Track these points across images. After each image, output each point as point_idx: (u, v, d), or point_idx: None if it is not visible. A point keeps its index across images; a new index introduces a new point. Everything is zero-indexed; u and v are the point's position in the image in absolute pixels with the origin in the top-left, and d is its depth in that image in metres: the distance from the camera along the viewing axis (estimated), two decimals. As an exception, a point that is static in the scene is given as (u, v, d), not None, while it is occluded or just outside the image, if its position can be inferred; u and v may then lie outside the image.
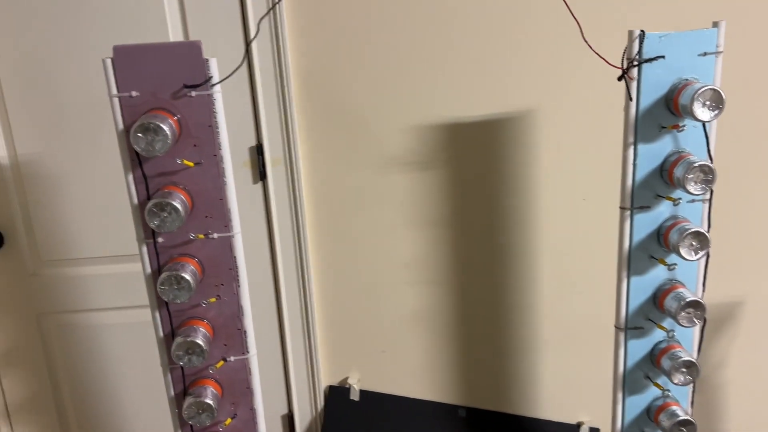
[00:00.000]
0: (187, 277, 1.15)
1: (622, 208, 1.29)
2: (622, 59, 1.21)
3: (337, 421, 1.86)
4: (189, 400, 1.22)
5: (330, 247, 1.77)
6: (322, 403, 1.88)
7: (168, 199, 1.12)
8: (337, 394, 1.87)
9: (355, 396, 1.86)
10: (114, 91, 1.11)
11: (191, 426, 1.28)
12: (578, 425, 1.86)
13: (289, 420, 1.91)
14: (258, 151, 1.66)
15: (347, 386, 1.87)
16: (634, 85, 1.21)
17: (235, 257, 1.23)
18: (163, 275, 1.15)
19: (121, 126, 1.13)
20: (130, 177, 1.15)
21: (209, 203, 1.19)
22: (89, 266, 1.74)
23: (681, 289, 1.29)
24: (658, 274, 1.33)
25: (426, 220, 1.75)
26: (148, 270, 1.21)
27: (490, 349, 1.86)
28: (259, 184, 1.70)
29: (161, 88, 1.12)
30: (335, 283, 1.80)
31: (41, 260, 1.73)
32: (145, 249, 1.20)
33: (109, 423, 1.90)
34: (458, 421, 1.87)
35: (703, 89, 1.14)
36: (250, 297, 1.26)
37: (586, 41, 1.19)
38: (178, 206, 1.12)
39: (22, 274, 1.74)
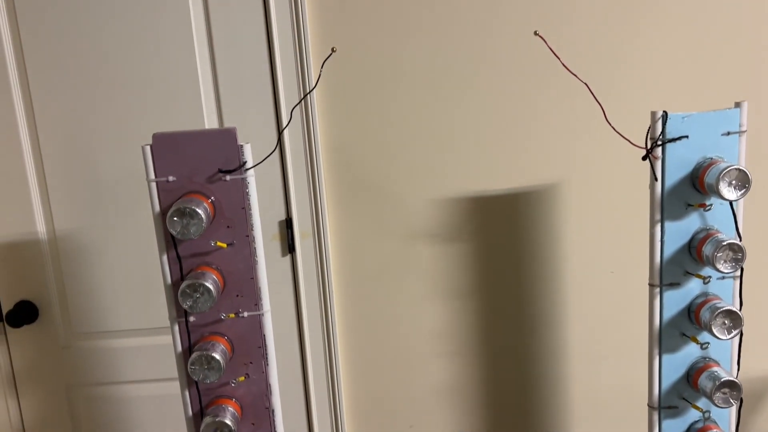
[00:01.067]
0: (218, 357, 1.17)
1: (652, 285, 1.29)
2: (646, 139, 1.23)
3: (363, 498, 1.82)
4: (217, 481, 1.21)
5: (357, 318, 1.77)
6: (349, 479, 1.85)
7: (201, 280, 1.14)
8: (363, 469, 1.84)
9: (382, 472, 1.82)
10: (152, 176, 1.16)
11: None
12: (613, 505, 1.80)
13: (314, 496, 1.88)
14: (287, 224, 1.69)
15: (374, 462, 1.83)
16: (658, 164, 1.22)
17: (264, 335, 1.25)
18: (194, 355, 1.17)
19: (157, 209, 1.17)
20: (165, 258, 1.19)
21: (240, 282, 1.22)
22: (120, 339, 1.76)
23: (715, 368, 1.27)
24: (690, 352, 1.31)
25: (453, 292, 1.75)
26: (179, 349, 1.23)
27: (520, 423, 1.82)
28: (288, 257, 1.72)
29: (197, 173, 1.17)
30: (362, 356, 1.80)
31: (73, 333, 1.76)
32: (176, 328, 1.22)
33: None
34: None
35: (728, 169, 1.15)
36: (277, 372, 1.27)
37: (609, 123, 1.21)
38: (211, 287, 1.14)
39: (54, 346, 1.76)
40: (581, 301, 1.74)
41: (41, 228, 1.69)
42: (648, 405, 1.33)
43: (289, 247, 1.71)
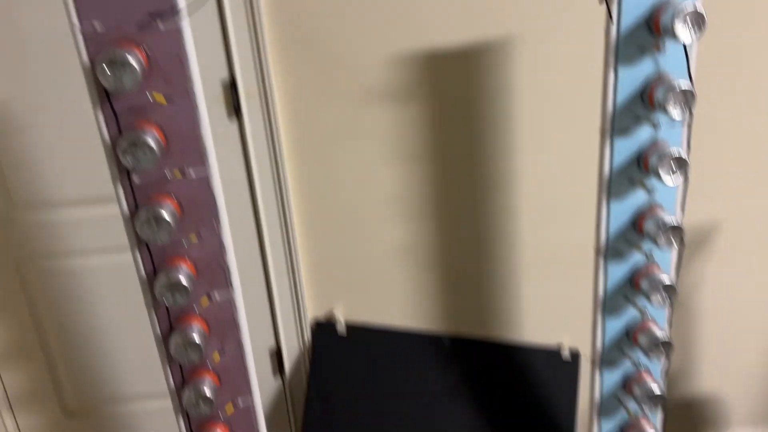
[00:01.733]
0: (165, 215, 1.14)
1: (603, 132, 1.29)
2: (603, -21, 1.18)
3: (324, 354, 1.89)
4: (176, 339, 1.22)
5: (310, 181, 1.75)
6: (309, 337, 1.91)
7: (140, 135, 1.08)
8: (324, 328, 1.90)
9: (342, 330, 1.89)
10: (75, 21, 1.06)
11: (180, 364, 1.29)
12: (559, 347, 1.91)
13: (277, 355, 1.94)
14: (231, 85, 1.61)
15: (333, 322, 1.89)
16: (614, 4, 1.18)
17: (213, 194, 1.21)
18: (142, 214, 1.14)
19: (86, 59, 1.08)
20: (99, 114, 1.12)
21: (184, 140, 1.16)
22: (66, 208, 1.71)
23: (660, 213, 1.31)
24: (637, 199, 1.34)
25: (406, 154, 1.73)
26: (126, 210, 1.19)
27: (473, 277, 1.89)
28: (235, 121, 1.66)
29: (126, 20, 1.07)
30: (317, 218, 1.80)
31: (14, 204, 1.69)
32: (120, 189, 1.17)
33: (97, 365, 1.92)
34: (443, 351, 1.91)
35: (684, 8, 1.12)
36: (231, 234, 1.25)
37: (566, -40, 1.15)
38: (151, 143, 1.09)
39: (-4, 219, 1.71)
40: (534, 157, 1.75)
41: (-35, 95, 1.58)
42: (594, 250, 1.38)
43: (234, 109, 1.64)
